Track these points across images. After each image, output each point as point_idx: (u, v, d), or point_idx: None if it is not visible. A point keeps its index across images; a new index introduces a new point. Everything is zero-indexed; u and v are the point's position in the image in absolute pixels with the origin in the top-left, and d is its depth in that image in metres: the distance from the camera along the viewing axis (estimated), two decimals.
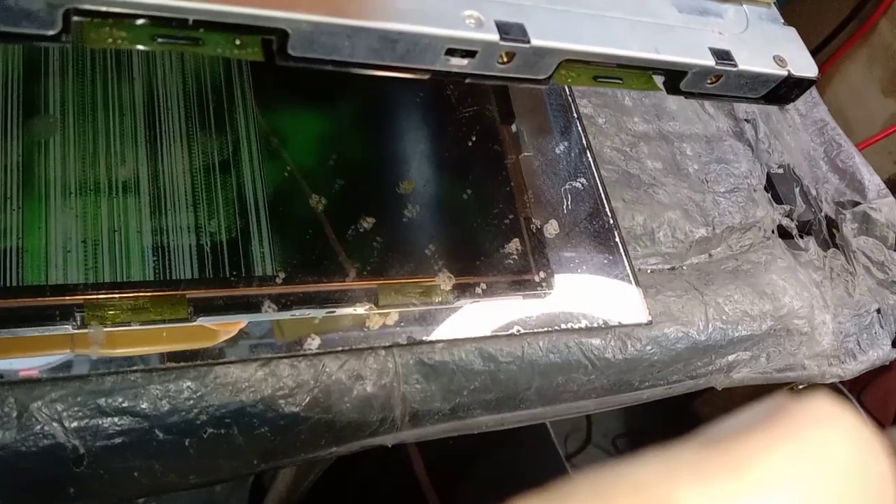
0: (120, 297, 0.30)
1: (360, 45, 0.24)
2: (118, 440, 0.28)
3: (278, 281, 0.32)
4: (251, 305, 0.32)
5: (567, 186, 0.41)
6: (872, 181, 0.53)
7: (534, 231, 0.38)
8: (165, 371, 0.29)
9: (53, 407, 0.27)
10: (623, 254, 0.40)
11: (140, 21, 0.22)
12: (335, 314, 0.33)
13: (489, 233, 0.37)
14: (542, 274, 0.37)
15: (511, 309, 0.36)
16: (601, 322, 0.37)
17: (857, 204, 0.52)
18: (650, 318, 0.38)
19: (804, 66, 0.33)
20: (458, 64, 0.26)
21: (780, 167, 0.51)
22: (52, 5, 0.20)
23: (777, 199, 0.49)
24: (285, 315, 0.32)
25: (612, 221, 0.41)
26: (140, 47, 0.22)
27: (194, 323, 0.31)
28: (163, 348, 0.30)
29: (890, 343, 0.48)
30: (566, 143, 0.42)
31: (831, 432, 0.13)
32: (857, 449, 0.13)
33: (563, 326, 0.36)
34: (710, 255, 0.44)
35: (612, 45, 0.28)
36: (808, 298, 0.44)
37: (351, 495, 0.58)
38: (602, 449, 1.09)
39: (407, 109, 0.40)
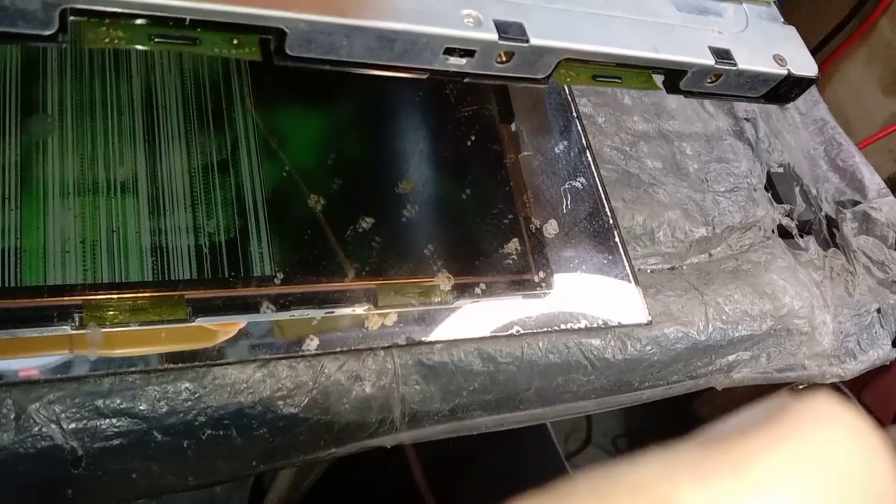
0: (118, 298, 0.30)
1: (358, 44, 0.24)
2: (116, 442, 0.28)
3: (277, 281, 0.32)
4: (250, 306, 0.32)
5: (566, 186, 0.41)
6: (873, 180, 0.53)
7: (533, 231, 0.38)
8: (163, 372, 0.29)
9: (51, 408, 0.27)
10: (623, 253, 0.40)
11: (137, 21, 0.22)
12: (334, 314, 0.33)
13: (488, 233, 0.37)
14: (541, 274, 0.37)
15: (510, 309, 0.36)
16: (601, 322, 0.37)
17: (857, 203, 0.52)
18: (650, 319, 0.38)
19: (804, 65, 0.33)
20: (457, 63, 0.26)
21: (780, 166, 0.51)
22: (48, 5, 0.20)
23: (777, 199, 0.49)
24: (284, 315, 0.32)
25: (611, 221, 0.40)
26: (138, 47, 0.22)
27: (193, 323, 0.30)
28: (161, 349, 0.30)
29: (890, 343, 0.48)
30: (566, 143, 0.42)
31: (832, 431, 0.13)
32: (858, 448, 0.13)
33: (563, 327, 0.36)
34: (710, 255, 0.44)
35: (611, 44, 0.28)
36: (808, 298, 0.44)
37: (350, 496, 0.57)
38: (602, 448, 1.09)
39: (405, 109, 0.40)
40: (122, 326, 0.29)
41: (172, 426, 0.29)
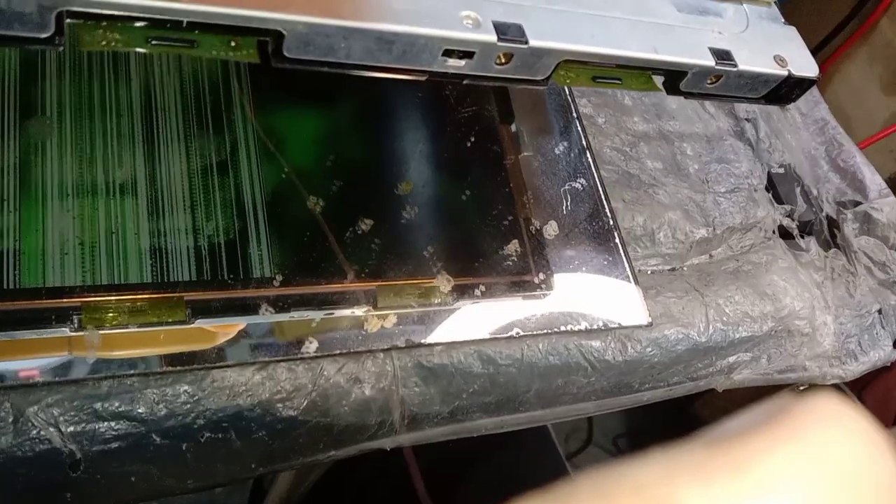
0: (117, 300, 0.30)
1: (357, 46, 0.24)
2: (115, 445, 0.28)
3: (276, 283, 0.32)
4: (249, 307, 0.31)
5: (567, 187, 0.41)
6: (874, 181, 0.53)
7: (533, 232, 0.38)
8: (162, 375, 0.29)
9: (50, 411, 0.27)
10: (623, 255, 0.40)
11: (135, 23, 0.22)
12: (333, 316, 0.33)
13: (488, 234, 0.37)
14: (541, 275, 0.37)
15: (510, 310, 0.36)
16: (601, 324, 0.37)
17: (858, 204, 0.52)
18: (650, 320, 0.38)
19: (805, 65, 0.33)
20: (456, 65, 0.26)
21: (780, 167, 0.51)
22: (44, 8, 0.20)
23: (778, 199, 0.49)
24: (283, 317, 0.32)
25: (611, 222, 0.40)
26: (135, 50, 0.22)
27: (192, 325, 0.30)
28: (161, 350, 0.30)
29: (891, 344, 0.48)
30: (566, 144, 0.42)
31: (834, 432, 0.13)
32: (861, 449, 0.13)
33: (563, 328, 0.36)
34: (711, 256, 0.44)
35: (611, 45, 0.28)
36: (809, 299, 0.44)
37: (349, 498, 0.57)
38: (603, 448, 1.09)
39: (405, 110, 0.39)
40: (121, 328, 0.29)
41: (171, 429, 0.29)
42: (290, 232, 0.33)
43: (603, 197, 0.41)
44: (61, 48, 0.21)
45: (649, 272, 0.41)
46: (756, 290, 0.43)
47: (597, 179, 0.41)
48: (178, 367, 0.29)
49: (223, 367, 0.30)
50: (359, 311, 0.33)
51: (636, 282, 0.39)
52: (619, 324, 0.37)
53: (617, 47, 0.28)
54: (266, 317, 0.31)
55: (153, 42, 0.22)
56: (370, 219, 0.35)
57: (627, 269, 0.39)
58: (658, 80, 0.31)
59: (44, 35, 0.20)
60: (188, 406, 0.29)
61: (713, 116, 0.50)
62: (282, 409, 0.30)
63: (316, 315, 0.32)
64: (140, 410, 0.28)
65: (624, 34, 0.29)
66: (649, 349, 0.38)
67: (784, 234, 0.48)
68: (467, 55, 0.26)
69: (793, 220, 0.49)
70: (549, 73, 0.28)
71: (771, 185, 0.49)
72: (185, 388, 0.29)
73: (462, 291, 0.35)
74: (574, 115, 0.43)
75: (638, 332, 0.38)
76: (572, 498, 0.12)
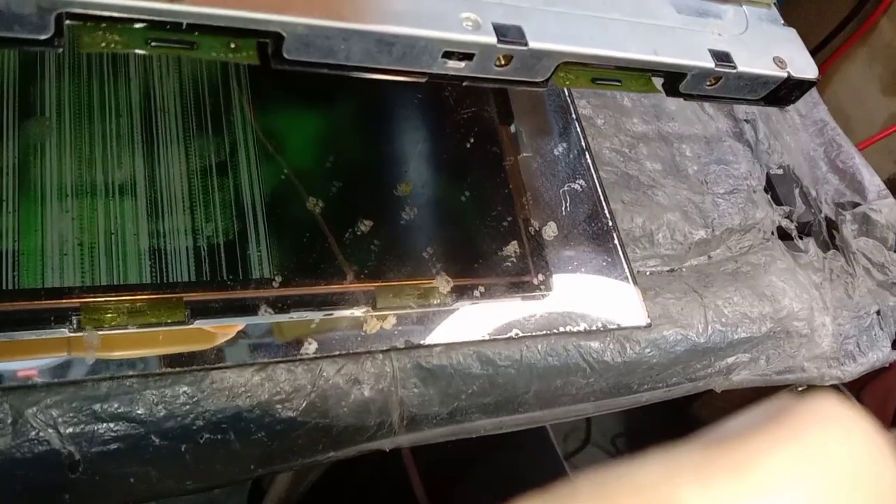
0: (117, 300, 0.30)
1: (356, 48, 0.24)
2: (114, 446, 0.28)
3: (275, 284, 0.32)
4: (248, 308, 0.31)
5: (566, 188, 0.41)
6: (872, 182, 0.53)
7: (532, 233, 0.38)
8: (161, 376, 0.29)
9: (48, 413, 0.27)
10: (622, 256, 0.40)
11: (134, 25, 0.22)
12: (333, 317, 0.33)
13: (487, 235, 0.37)
14: (540, 276, 0.37)
15: (509, 311, 0.36)
16: (600, 325, 0.37)
17: (857, 205, 0.52)
18: (649, 321, 0.38)
19: (804, 67, 0.33)
20: (456, 67, 0.26)
21: (779, 168, 0.51)
22: (43, 10, 0.20)
23: (777, 201, 0.49)
24: (282, 318, 0.32)
25: (610, 223, 0.40)
26: (135, 51, 0.22)
27: (191, 326, 0.30)
28: (160, 351, 0.30)
29: (890, 345, 0.48)
30: (565, 145, 0.42)
31: (834, 433, 0.13)
32: (861, 449, 0.13)
33: (562, 329, 0.36)
34: (710, 257, 0.44)
35: (610, 47, 0.28)
36: (807, 300, 0.44)
37: (348, 499, 0.57)
38: (601, 448, 1.09)
39: (404, 111, 0.39)
40: (120, 329, 0.29)
41: (170, 430, 0.29)
42: (290, 233, 0.33)
43: (602, 198, 0.41)
44: (61, 50, 0.21)
45: (648, 273, 0.41)
46: (755, 292, 0.43)
47: (596, 180, 0.41)
48: (178, 369, 0.29)
49: (222, 368, 0.30)
50: (358, 312, 0.33)
51: (635, 283, 0.39)
52: (617, 325, 0.38)
53: (616, 49, 0.28)
54: (265, 317, 0.31)
55: (153, 43, 0.22)
56: (369, 220, 0.35)
57: (626, 270, 0.39)
58: (657, 81, 0.31)
59: (43, 36, 0.20)
60: (187, 407, 0.29)
61: (712, 118, 0.50)
62: (281, 410, 0.30)
63: (315, 316, 0.32)
64: (139, 412, 0.28)
65: (623, 36, 0.29)
66: (648, 350, 0.38)
67: (783, 235, 0.48)
68: (467, 57, 0.25)
69: (791, 221, 0.49)
70: (549, 74, 0.28)
71: (770, 187, 0.49)
72: (185, 389, 0.29)
73: (461, 292, 0.35)
74: (573, 116, 0.43)
75: (637, 333, 0.38)
76: (572, 498, 0.12)
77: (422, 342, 0.33)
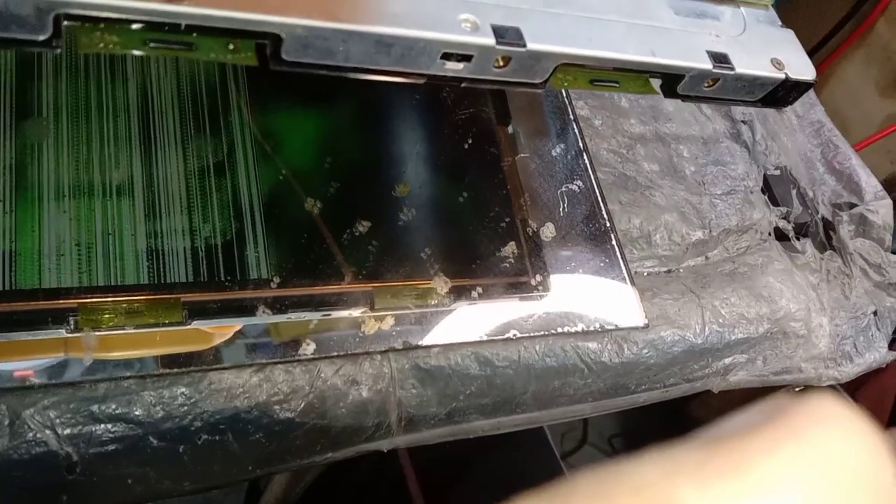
0: (114, 301, 0.30)
1: (355, 49, 0.24)
2: (112, 447, 0.28)
3: (273, 284, 0.32)
4: (246, 309, 0.31)
5: (563, 189, 0.41)
6: (869, 183, 0.53)
7: (530, 234, 0.38)
8: (159, 377, 0.29)
9: (46, 414, 0.27)
10: (619, 257, 0.40)
11: (132, 26, 0.21)
12: (331, 317, 0.33)
13: (485, 236, 0.37)
14: (538, 277, 0.37)
15: (507, 312, 0.36)
16: (597, 325, 0.37)
17: (853, 206, 0.52)
18: (647, 322, 0.38)
19: (802, 68, 0.33)
20: (454, 68, 0.26)
21: (776, 169, 0.51)
22: (41, 10, 0.20)
23: (774, 201, 0.49)
24: (280, 318, 0.32)
25: (608, 224, 0.40)
26: (133, 52, 0.22)
27: (189, 326, 0.30)
28: (157, 351, 0.30)
29: (886, 345, 0.48)
30: (563, 146, 0.42)
31: (833, 433, 0.13)
32: (860, 449, 0.13)
33: (560, 330, 0.36)
34: (707, 258, 0.44)
35: (608, 48, 0.28)
36: (804, 301, 0.44)
37: (346, 499, 0.57)
38: (598, 448, 1.09)
39: (402, 112, 0.39)
40: (117, 329, 0.29)
41: (168, 431, 0.29)
42: (288, 233, 0.33)
43: (600, 199, 0.41)
44: (59, 50, 0.21)
45: (646, 274, 0.41)
46: (752, 292, 0.43)
47: (593, 181, 0.41)
48: (176, 370, 0.29)
49: (220, 369, 0.30)
50: (356, 313, 0.33)
51: (633, 283, 0.39)
52: (615, 325, 0.38)
53: (615, 50, 0.28)
54: (263, 318, 0.31)
55: (151, 45, 0.22)
56: (367, 220, 0.35)
57: (624, 270, 0.39)
58: (655, 83, 0.31)
59: (41, 37, 0.20)
60: (185, 408, 0.29)
61: (709, 118, 0.50)
62: (279, 411, 0.30)
63: (313, 317, 0.32)
64: (137, 412, 0.28)
65: (622, 37, 0.29)
66: (645, 351, 0.38)
67: (780, 236, 0.48)
68: (466, 58, 0.25)
69: (789, 222, 0.49)
70: (547, 76, 0.28)
71: (767, 187, 0.49)
72: (183, 390, 0.29)
73: (459, 293, 0.35)
74: (571, 117, 0.43)
75: (634, 334, 0.38)
76: (572, 498, 0.12)
77: (420, 343, 0.33)
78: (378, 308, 0.33)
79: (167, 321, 0.30)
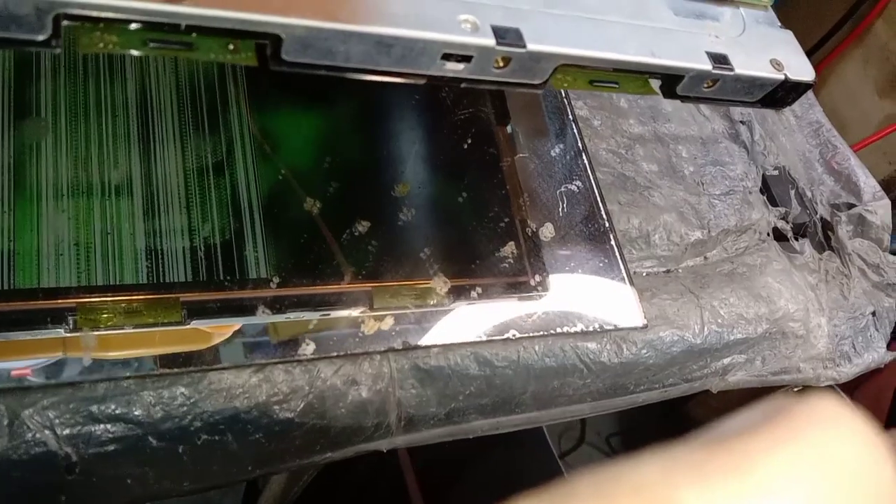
0: (113, 301, 0.30)
1: (355, 49, 0.24)
2: (111, 447, 0.28)
3: (272, 284, 0.32)
4: (245, 309, 0.31)
5: (563, 189, 0.41)
6: (868, 183, 0.53)
7: (529, 234, 0.38)
8: (159, 377, 0.29)
9: (45, 414, 0.27)
10: (618, 257, 0.40)
11: (132, 26, 0.21)
12: (330, 317, 0.33)
13: (484, 236, 0.37)
14: (537, 277, 0.37)
15: (506, 312, 0.36)
16: (597, 326, 0.37)
17: (852, 206, 0.52)
18: (646, 322, 0.38)
19: (801, 69, 0.33)
20: (454, 69, 0.26)
21: (775, 169, 0.51)
22: (41, 10, 0.20)
23: (772, 202, 0.49)
24: (280, 318, 0.32)
25: (607, 224, 0.40)
26: (132, 52, 0.22)
27: (188, 326, 0.30)
28: (156, 351, 0.29)
29: (885, 346, 0.48)
30: (562, 146, 0.42)
31: (833, 433, 0.13)
32: (860, 450, 0.13)
33: (559, 330, 0.36)
34: (706, 258, 0.44)
35: (608, 49, 0.28)
36: (803, 301, 0.44)
37: (345, 499, 0.57)
38: (596, 447, 1.09)
39: (402, 112, 0.39)
40: (116, 329, 0.29)
41: (168, 431, 0.28)
42: (287, 233, 0.33)
43: (599, 199, 0.41)
44: (58, 50, 0.21)
45: (644, 274, 0.41)
46: (750, 293, 0.43)
47: (592, 182, 0.42)
48: (175, 370, 0.29)
49: (220, 369, 0.30)
50: (355, 313, 0.33)
51: (632, 284, 0.39)
52: (614, 325, 0.38)
53: (614, 51, 0.28)
54: (262, 318, 0.31)
55: (151, 45, 0.22)
56: (367, 220, 0.35)
57: (623, 271, 0.39)
58: (655, 83, 0.31)
59: (41, 37, 0.20)
60: (185, 408, 0.29)
61: (708, 119, 0.50)
62: (278, 411, 0.30)
63: (312, 316, 0.32)
64: (136, 413, 0.28)
65: (621, 38, 0.29)
66: (644, 351, 0.38)
67: (778, 236, 0.48)
68: (465, 59, 0.25)
69: (787, 222, 0.49)
70: (547, 76, 0.28)
71: (765, 188, 0.49)
72: (182, 390, 0.29)
73: (458, 293, 0.35)
74: (570, 117, 0.43)
75: (633, 334, 0.38)
76: (571, 498, 0.12)
77: (419, 343, 0.33)
78: (377, 308, 0.33)
79: (166, 321, 0.30)
